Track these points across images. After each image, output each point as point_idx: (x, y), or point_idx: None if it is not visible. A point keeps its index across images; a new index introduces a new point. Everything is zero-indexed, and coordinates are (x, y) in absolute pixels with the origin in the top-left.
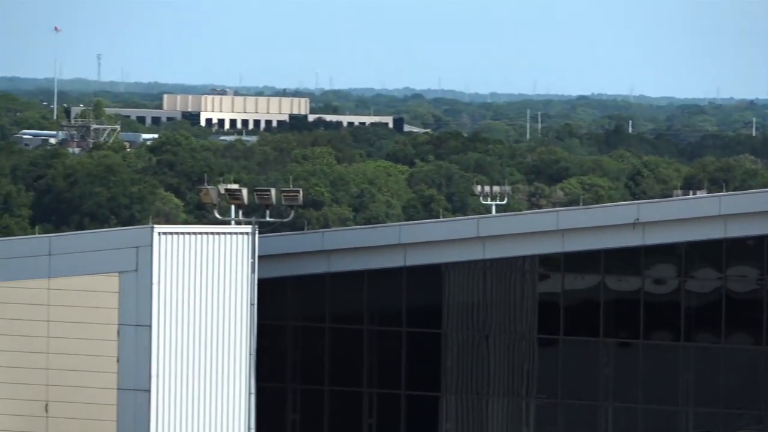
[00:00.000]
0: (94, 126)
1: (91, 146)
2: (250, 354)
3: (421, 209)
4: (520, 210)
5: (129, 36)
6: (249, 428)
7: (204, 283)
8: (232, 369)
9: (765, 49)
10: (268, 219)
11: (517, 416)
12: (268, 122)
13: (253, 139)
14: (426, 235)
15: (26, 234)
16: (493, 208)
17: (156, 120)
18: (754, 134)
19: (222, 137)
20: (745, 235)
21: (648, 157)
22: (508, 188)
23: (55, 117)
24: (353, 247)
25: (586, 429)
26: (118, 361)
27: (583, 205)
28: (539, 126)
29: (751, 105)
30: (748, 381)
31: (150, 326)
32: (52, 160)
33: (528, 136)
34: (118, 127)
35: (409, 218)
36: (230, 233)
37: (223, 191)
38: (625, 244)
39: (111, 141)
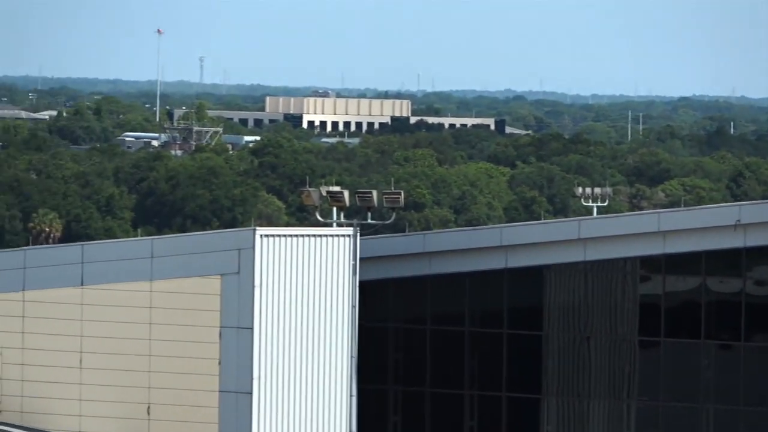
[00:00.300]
0: (196, 128)
1: (193, 148)
2: (352, 356)
3: (523, 211)
4: (622, 212)
5: (231, 38)
6: (350, 430)
7: (305, 285)
8: (333, 371)
9: None
10: (369, 221)
11: (618, 418)
12: (370, 124)
13: (355, 141)
14: (527, 236)
15: (128, 236)
16: (595, 209)
17: (258, 122)
18: None
19: (324, 139)
20: None
21: (750, 158)
22: (609, 190)
23: (157, 119)
24: (454, 249)
25: (687, 431)
26: (219, 363)
27: (685, 206)
28: (641, 127)
29: None
30: None
31: (252, 329)
32: (154, 162)
33: (629, 137)
34: (220, 129)
35: (511, 220)
36: (332, 235)
37: (324, 193)
38: (727, 245)
39: (213, 143)
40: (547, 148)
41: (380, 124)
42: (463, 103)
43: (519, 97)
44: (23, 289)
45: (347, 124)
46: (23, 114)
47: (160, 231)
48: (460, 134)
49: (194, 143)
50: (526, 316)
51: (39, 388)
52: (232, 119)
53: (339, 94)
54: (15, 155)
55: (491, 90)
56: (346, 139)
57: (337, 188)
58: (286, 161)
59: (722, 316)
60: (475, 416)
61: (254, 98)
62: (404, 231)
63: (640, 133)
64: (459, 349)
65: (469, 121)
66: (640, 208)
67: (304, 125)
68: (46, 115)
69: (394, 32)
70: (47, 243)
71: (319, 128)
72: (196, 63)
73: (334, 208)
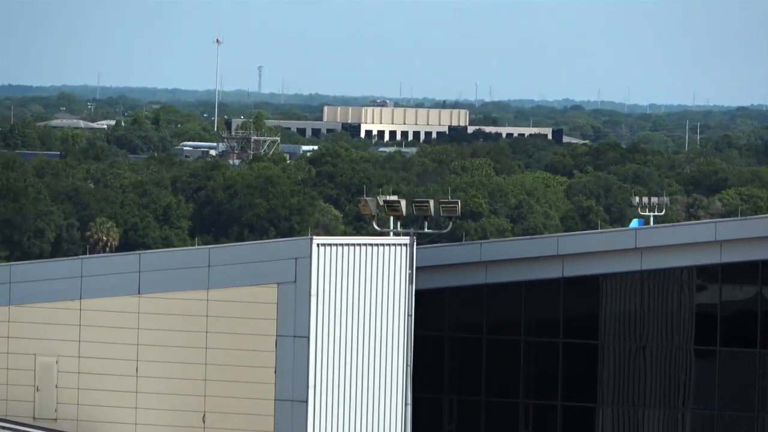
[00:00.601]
0: (254, 138)
1: (251, 158)
2: (407, 365)
3: (579, 220)
4: (678, 221)
5: (290, 48)
6: None
7: (362, 294)
8: (389, 380)
9: None
10: (426, 230)
11: (673, 428)
12: (428, 134)
13: (413, 150)
14: (584, 246)
15: (186, 245)
16: (651, 219)
17: (316, 132)
18: None
19: (381, 149)
20: None
21: None
22: (666, 199)
23: (215, 129)
24: (511, 258)
25: None
26: (275, 372)
27: (742, 216)
28: (698, 137)
29: None
30: None
31: (308, 337)
32: (212, 171)
33: (686, 147)
34: (278, 138)
35: (567, 229)
36: (388, 244)
37: (381, 203)
38: None
39: (271, 153)
40: (604, 158)
41: (438, 133)
42: (521, 113)
43: (576, 107)
44: (80, 298)
45: (405, 134)
46: (81, 123)
47: (217, 240)
48: (518, 143)
49: (252, 152)
50: (582, 325)
51: (95, 397)
52: (289, 129)
53: (397, 104)
54: (73, 164)
55: (549, 99)
56: (403, 149)
57: (394, 197)
58: (344, 170)
59: None
60: (530, 425)
61: (312, 108)
62: (461, 240)
63: (698, 142)
64: (515, 358)
65: (527, 131)
66: (697, 218)
67: (362, 135)
68: (104, 124)
69: (452, 42)
70: (104, 252)
71: (376, 137)
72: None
73: (391, 218)
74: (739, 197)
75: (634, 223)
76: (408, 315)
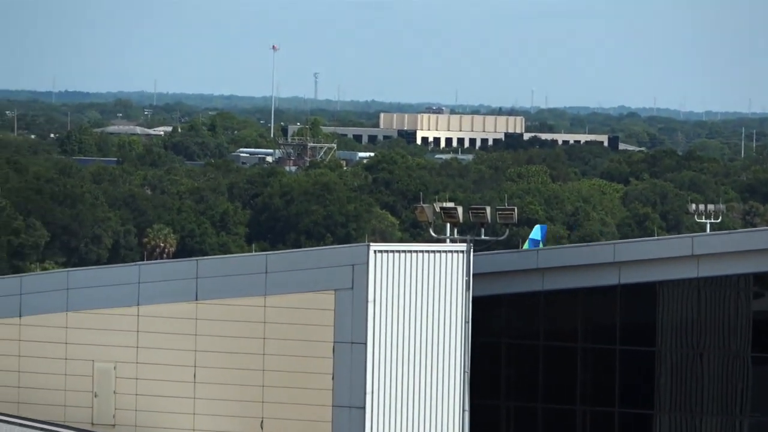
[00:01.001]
0: (310, 144)
1: (307, 164)
2: (465, 371)
3: (636, 227)
4: (735, 228)
5: (346, 54)
6: None
7: (419, 301)
8: (446, 386)
9: None
10: (483, 237)
11: None
12: (484, 141)
13: (469, 157)
14: (640, 253)
15: (243, 252)
16: (708, 226)
17: (372, 138)
18: None
19: (438, 155)
20: None
21: None
22: (722, 206)
23: (272, 135)
24: (568, 265)
25: None
26: (333, 378)
27: None
28: (754, 144)
29: None
30: None
31: (365, 343)
32: (268, 178)
33: (742, 154)
34: (334, 145)
35: (624, 236)
36: (445, 251)
37: (438, 209)
38: None
39: (327, 159)
40: (660, 165)
41: (494, 140)
42: (577, 120)
43: (632, 114)
44: (138, 304)
45: (461, 141)
46: (138, 130)
47: (274, 246)
48: (574, 151)
49: (308, 159)
50: (639, 332)
51: (153, 403)
52: (346, 135)
53: (453, 111)
54: (130, 171)
55: (605, 107)
56: (459, 156)
57: (450, 204)
58: (400, 177)
59: None
60: (588, 431)
61: (368, 114)
62: (517, 247)
63: (754, 150)
64: (571, 365)
65: (583, 138)
66: (754, 225)
67: (418, 141)
68: (161, 130)
69: (508, 49)
70: (162, 258)
71: (432, 144)
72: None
73: (448, 224)
74: None
75: (536, 230)
76: (465, 321)
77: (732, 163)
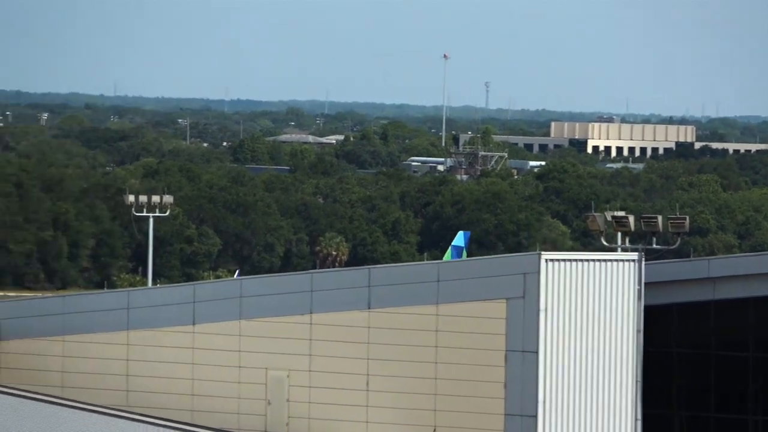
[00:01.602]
0: (481, 153)
1: (478, 173)
2: (637, 380)
3: None
4: None
5: (517, 64)
6: None
7: (590, 309)
8: (618, 395)
9: None
10: (654, 246)
11: None
12: (655, 150)
13: (640, 166)
14: None
15: (414, 260)
16: None
17: (543, 147)
18: None
19: (609, 165)
20: None
21: None
22: None
23: (443, 144)
24: (739, 274)
25: None
26: (505, 386)
27: None
28: None
29: None
30: None
31: (537, 352)
32: (440, 187)
33: None
34: (505, 154)
35: None
36: (616, 260)
37: (609, 218)
38: None
39: (498, 168)
40: None
41: (665, 149)
42: (748, 129)
43: None
44: (310, 312)
45: (632, 150)
46: (310, 138)
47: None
48: (745, 160)
49: (480, 168)
50: None
51: (326, 411)
52: (516, 144)
53: (624, 120)
54: (302, 179)
55: None
56: (630, 165)
57: (621, 213)
58: (571, 186)
59: None
60: None
61: (539, 123)
62: (688, 256)
63: None
64: (743, 375)
65: (754, 147)
66: None
67: (589, 150)
68: (332, 139)
69: (678, 59)
70: (334, 266)
71: (603, 153)
72: (482, 88)
73: (619, 233)
74: None
75: (459, 236)
76: (637, 331)
77: None
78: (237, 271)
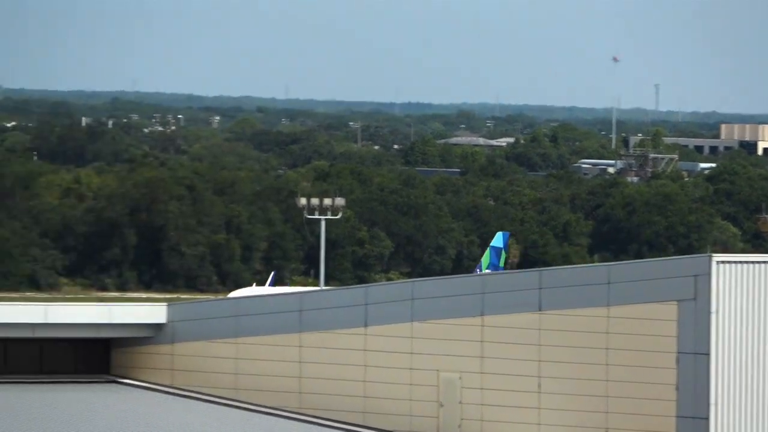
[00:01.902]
0: (652, 155)
1: (649, 175)
2: None
3: None
4: None
5: (687, 65)
6: None
7: (762, 312)
8: None
9: None
10: None
11: None
12: None
13: None
14: None
15: (585, 262)
16: None
17: (713, 149)
18: None
19: None
20: None
21: None
22: None
23: (613, 146)
24: None
25: None
26: (677, 388)
27: None
28: None
29: None
30: None
31: (708, 354)
32: (610, 189)
33: None
34: (676, 156)
35: None
36: None
37: None
38: None
39: (669, 170)
40: None
41: None
42: None
43: None
44: (482, 314)
45: None
46: (481, 141)
47: (616, 257)
48: None
49: (650, 170)
50: None
51: (498, 413)
52: (687, 146)
53: None
54: (473, 181)
55: None
56: None
57: None
58: (742, 188)
59: None
60: None
61: (709, 125)
62: None
63: None
64: None
65: None
66: None
67: (759, 152)
68: (503, 141)
69: None
70: (505, 269)
71: None
72: (652, 90)
73: None
74: None
75: (498, 237)
76: None
77: None
78: (273, 273)
